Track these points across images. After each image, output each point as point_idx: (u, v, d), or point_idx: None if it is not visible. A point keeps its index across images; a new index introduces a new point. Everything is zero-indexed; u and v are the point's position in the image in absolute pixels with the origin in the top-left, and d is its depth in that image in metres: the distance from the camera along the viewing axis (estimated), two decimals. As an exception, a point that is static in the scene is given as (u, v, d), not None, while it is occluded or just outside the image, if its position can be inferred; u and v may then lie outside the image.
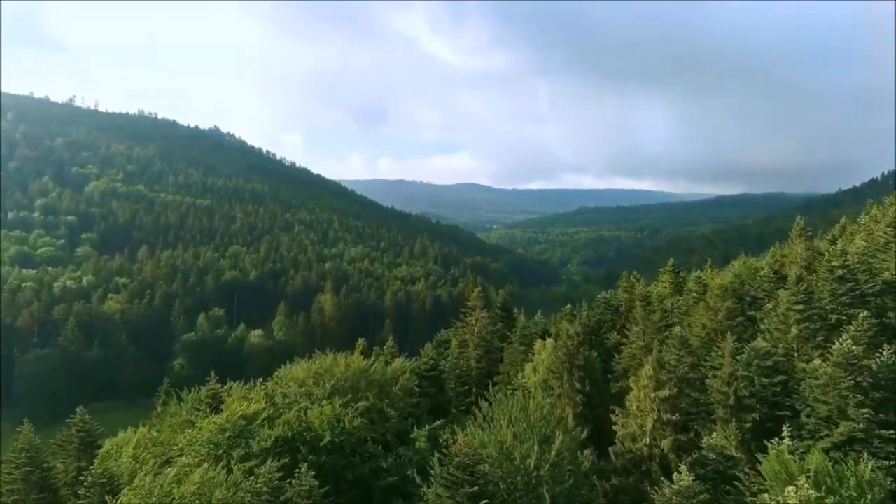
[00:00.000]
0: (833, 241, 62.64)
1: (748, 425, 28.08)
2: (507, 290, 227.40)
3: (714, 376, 33.89)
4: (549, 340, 39.28)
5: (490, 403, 25.12)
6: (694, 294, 43.07)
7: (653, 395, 24.76)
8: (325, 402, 25.65)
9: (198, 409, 32.51)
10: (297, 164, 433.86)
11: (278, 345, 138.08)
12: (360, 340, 37.36)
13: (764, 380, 30.47)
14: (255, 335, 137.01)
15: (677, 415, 25.51)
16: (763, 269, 47.55)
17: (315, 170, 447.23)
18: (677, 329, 33.83)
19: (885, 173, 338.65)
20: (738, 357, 31.39)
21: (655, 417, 24.62)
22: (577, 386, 33.15)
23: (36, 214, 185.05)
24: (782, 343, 33.50)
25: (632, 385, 27.75)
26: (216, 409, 31.76)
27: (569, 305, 50.49)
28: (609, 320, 50.29)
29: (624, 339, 42.52)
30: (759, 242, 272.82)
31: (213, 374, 34.69)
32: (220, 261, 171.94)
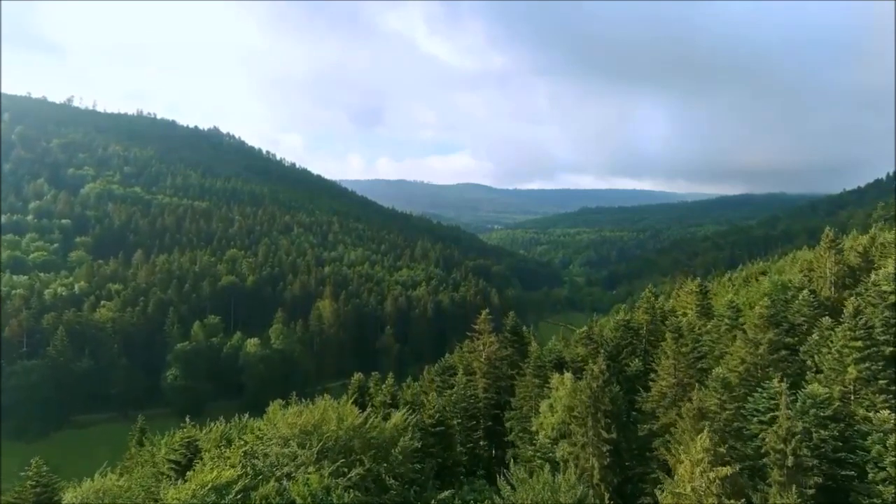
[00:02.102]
0: (864, 255, 58.47)
1: (810, 491, 23.93)
2: (513, 306, 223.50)
3: (760, 422, 29.80)
4: (567, 375, 35.17)
5: (513, 487, 20.97)
6: (726, 320, 38.88)
7: (711, 474, 20.70)
8: (311, 468, 21.69)
9: (170, 461, 28.45)
10: (297, 165, 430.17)
11: (276, 353, 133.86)
12: (356, 377, 33.11)
13: (823, 432, 26.33)
14: (252, 344, 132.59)
15: (743, 500, 21.38)
16: (801, 290, 43.38)
17: (314, 170, 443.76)
18: (718, 370, 29.68)
19: (890, 174, 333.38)
20: (791, 405, 27.26)
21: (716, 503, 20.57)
22: (604, 434, 29.04)
23: (30, 218, 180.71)
24: (838, 385, 29.37)
25: (680, 455, 23.59)
26: (190, 462, 27.68)
27: (584, 328, 46.25)
28: (629, 344, 46.21)
29: (651, 373, 38.44)
30: (765, 244, 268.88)
31: (187, 419, 30.43)
32: (216, 265, 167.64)
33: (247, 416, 37.12)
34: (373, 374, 47.61)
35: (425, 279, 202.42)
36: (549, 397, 35.52)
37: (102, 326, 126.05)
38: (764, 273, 77.54)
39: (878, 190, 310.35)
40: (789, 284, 47.57)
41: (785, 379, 31.52)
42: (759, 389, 30.36)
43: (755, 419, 29.92)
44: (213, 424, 32.88)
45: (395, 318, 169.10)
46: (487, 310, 45.32)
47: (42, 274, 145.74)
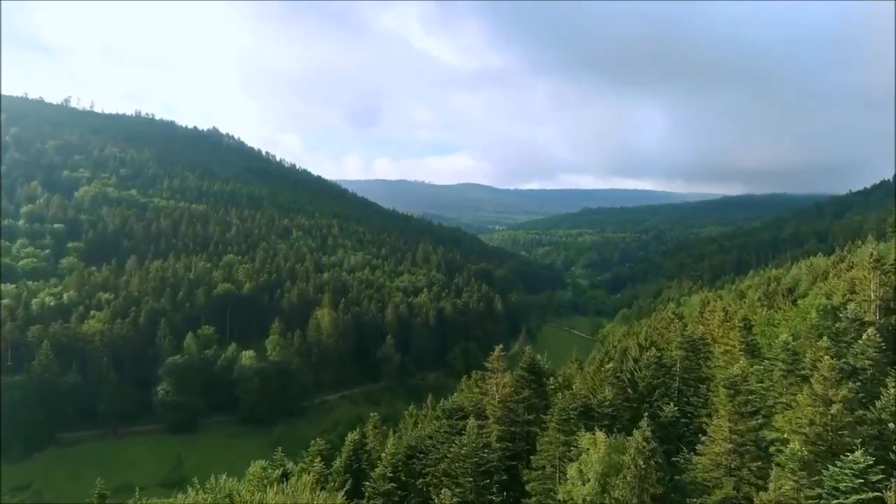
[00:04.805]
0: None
1: None
2: (516, 311, 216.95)
3: (841, 506, 24.54)
4: (600, 435, 29.99)
5: None
6: (781, 364, 33.65)
7: None
8: None
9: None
10: (297, 166, 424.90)
11: (272, 366, 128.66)
12: (350, 437, 27.95)
13: (933, 532, 21.17)
14: (247, 356, 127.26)
15: None
16: (855, 322, 38.19)
17: (313, 171, 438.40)
18: (795, 445, 24.53)
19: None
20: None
21: None
22: (653, 523, 23.96)
23: (21, 222, 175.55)
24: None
25: None
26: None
27: (610, 364, 41.10)
28: (661, 384, 41.05)
29: (686, 419, 33.28)
30: (772, 247, 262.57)
31: (144, 499, 25.30)
32: (212, 272, 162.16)
33: (224, 476, 32.14)
34: (371, 415, 42.65)
35: (427, 285, 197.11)
36: (577, 459, 30.36)
37: (91, 339, 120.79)
38: (791, 290, 72.10)
39: (883, 191, 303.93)
40: (840, 314, 42.33)
41: (863, 446, 26.38)
42: (838, 462, 25.16)
43: (833, 500, 24.75)
44: (182, 497, 27.84)
45: (396, 327, 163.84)
46: (501, 346, 40.18)
47: (31, 282, 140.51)
